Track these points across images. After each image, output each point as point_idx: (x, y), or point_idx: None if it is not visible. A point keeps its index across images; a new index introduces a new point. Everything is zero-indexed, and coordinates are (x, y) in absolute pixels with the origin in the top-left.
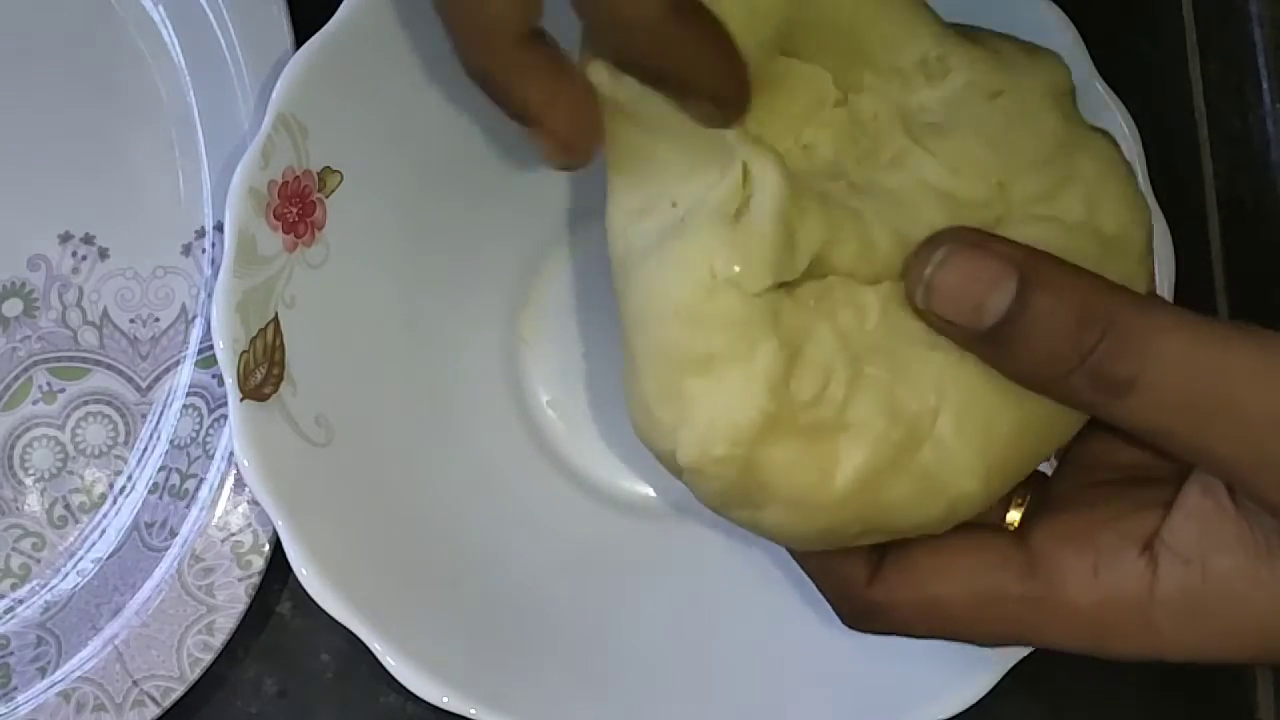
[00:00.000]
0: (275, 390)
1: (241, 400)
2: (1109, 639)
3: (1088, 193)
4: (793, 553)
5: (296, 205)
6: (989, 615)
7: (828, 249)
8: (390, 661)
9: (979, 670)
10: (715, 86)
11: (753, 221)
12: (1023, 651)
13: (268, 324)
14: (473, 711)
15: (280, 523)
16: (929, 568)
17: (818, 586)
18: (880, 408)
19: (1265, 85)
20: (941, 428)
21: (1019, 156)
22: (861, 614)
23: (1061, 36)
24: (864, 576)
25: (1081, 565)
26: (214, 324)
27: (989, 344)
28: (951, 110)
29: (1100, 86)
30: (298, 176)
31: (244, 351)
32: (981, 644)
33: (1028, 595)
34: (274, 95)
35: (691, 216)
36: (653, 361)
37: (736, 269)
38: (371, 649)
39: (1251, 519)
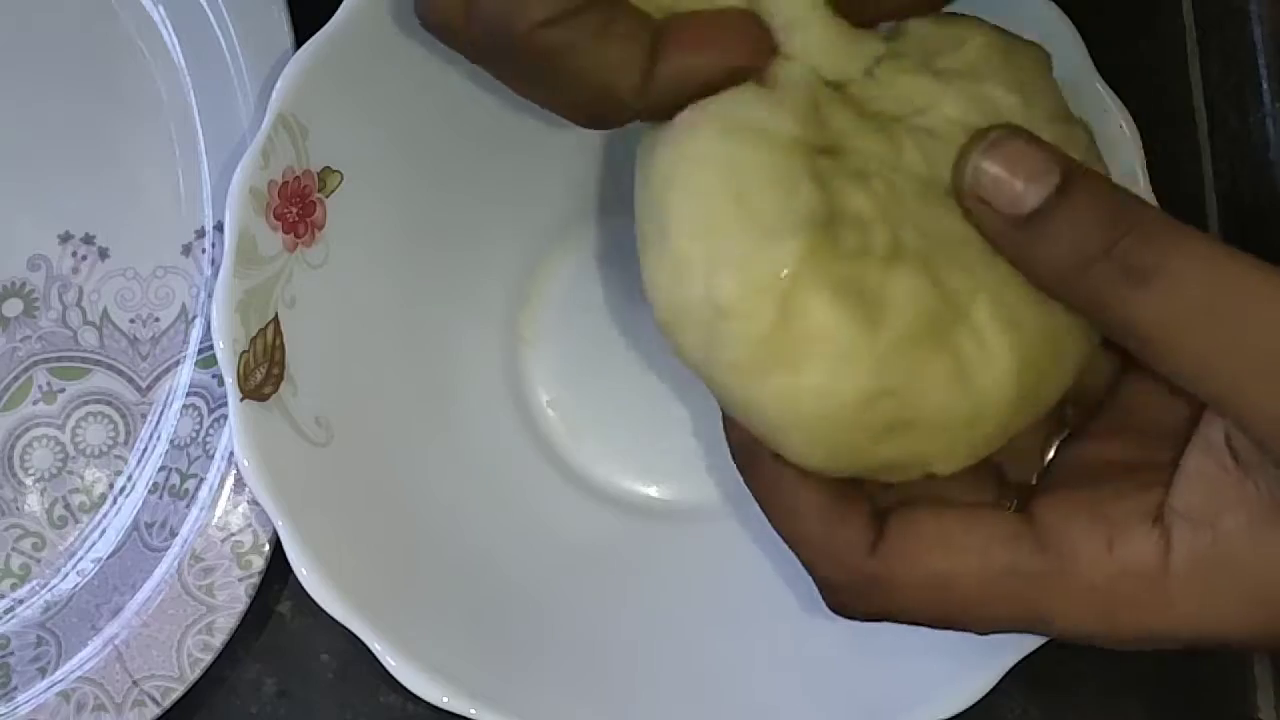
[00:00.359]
0: (275, 390)
1: (241, 400)
2: (1121, 617)
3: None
4: (786, 520)
5: (296, 205)
6: (999, 593)
7: (857, 141)
8: (390, 661)
9: (978, 670)
10: None
11: (783, 79)
12: (1023, 650)
13: (268, 324)
14: (473, 711)
15: (280, 523)
16: (936, 538)
17: (807, 560)
18: (921, 272)
19: (1265, 85)
20: (978, 312)
21: (1039, 109)
22: (858, 590)
23: (1061, 36)
24: (865, 543)
25: (1095, 539)
26: (214, 324)
27: (1022, 231)
28: (974, 66)
29: (1100, 86)
30: (298, 176)
31: (244, 351)
32: (983, 630)
33: (1040, 571)
34: (274, 95)
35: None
36: (680, 211)
37: (766, 113)
38: (371, 649)
39: (1255, 476)
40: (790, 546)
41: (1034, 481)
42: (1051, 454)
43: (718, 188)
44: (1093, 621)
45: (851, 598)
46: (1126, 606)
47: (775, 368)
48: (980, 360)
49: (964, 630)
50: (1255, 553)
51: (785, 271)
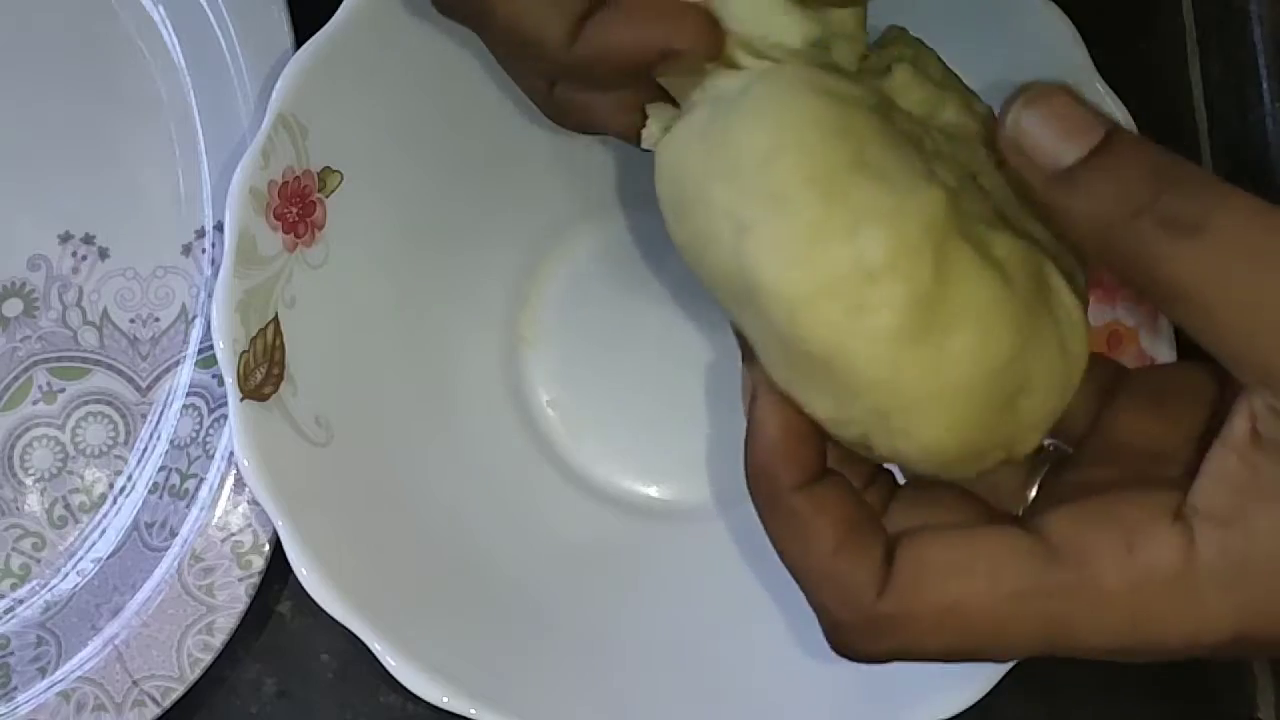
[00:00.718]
0: (275, 390)
1: (241, 400)
2: (1149, 624)
3: None
4: (797, 558)
5: (296, 205)
6: (1016, 615)
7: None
8: (390, 661)
9: (979, 670)
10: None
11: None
12: None
13: (268, 324)
14: (473, 711)
15: (280, 523)
16: (946, 565)
17: (816, 601)
18: (1017, 235)
19: (1265, 85)
20: (1052, 275)
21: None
22: (869, 631)
23: (1061, 36)
24: (874, 586)
25: (1112, 544)
26: (214, 324)
27: (1060, 183)
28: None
29: (1100, 86)
30: (298, 176)
31: (244, 351)
32: (1005, 658)
33: (1057, 584)
34: (274, 95)
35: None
36: (800, 176)
37: (844, 83)
38: (371, 649)
39: None
40: (799, 584)
41: (1019, 514)
42: (1035, 490)
43: (838, 148)
44: (1120, 632)
45: (860, 638)
46: (1153, 612)
47: (930, 330)
48: (1068, 323)
49: (985, 660)
50: None
51: (934, 220)
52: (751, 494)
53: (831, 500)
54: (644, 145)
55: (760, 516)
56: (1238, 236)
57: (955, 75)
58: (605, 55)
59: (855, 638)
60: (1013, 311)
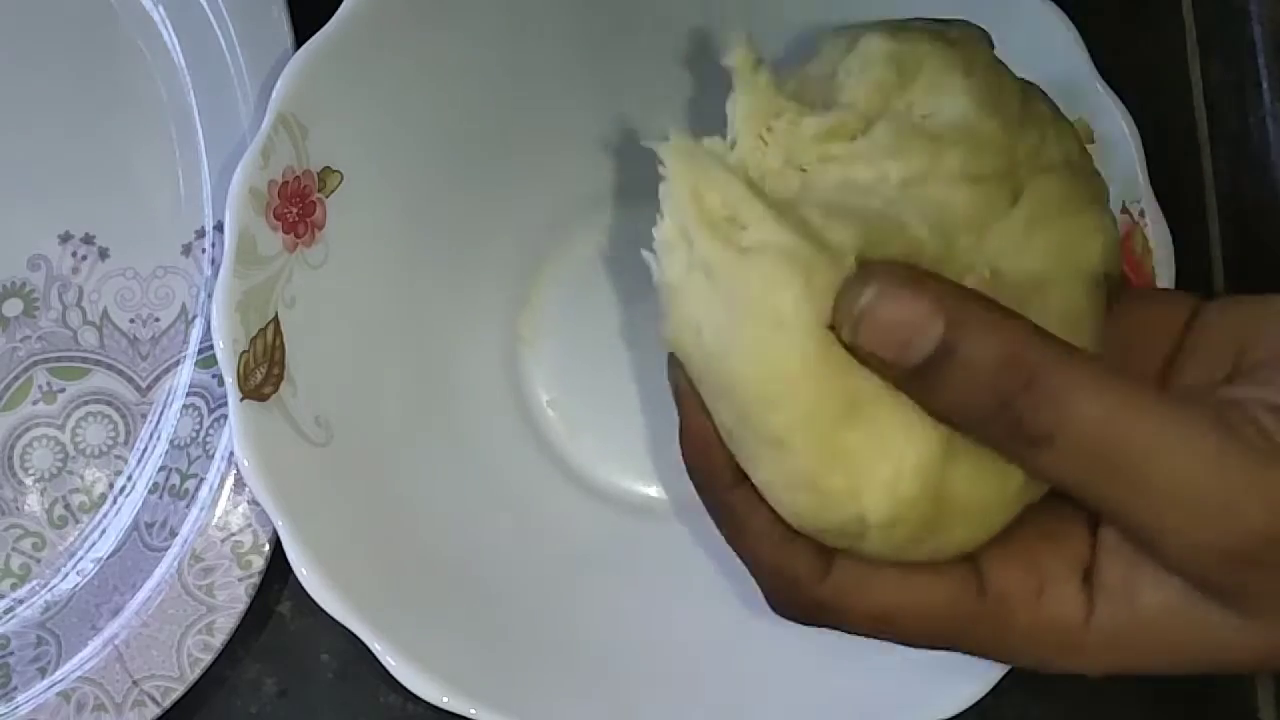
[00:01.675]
0: (275, 390)
1: (241, 400)
2: (1041, 654)
3: (1054, 133)
4: (739, 540)
5: (296, 205)
6: (937, 630)
7: (873, 251)
8: (390, 661)
9: (979, 670)
10: None
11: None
12: None
13: (268, 324)
14: (472, 711)
15: (280, 523)
16: (884, 575)
17: (759, 582)
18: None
19: (1265, 85)
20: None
21: (1009, 115)
22: (806, 611)
23: (1061, 36)
24: (817, 572)
25: (1026, 587)
26: (214, 324)
27: (914, 381)
28: (934, 97)
29: (1100, 86)
30: (298, 176)
31: (244, 351)
32: (920, 648)
33: (975, 613)
34: (274, 95)
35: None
36: (797, 433)
37: (801, 293)
38: (371, 649)
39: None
40: (742, 561)
41: None
42: None
43: (829, 401)
44: (1017, 657)
45: (797, 615)
46: (1048, 649)
47: (925, 539)
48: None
49: (892, 639)
50: (1171, 627)
51: (934, 466)
52: (694, 484)
53: (759, 500)
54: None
55: (704, 504)
56: (1085, 451)
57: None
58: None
59: (793, 614)
60: (1009, 492)
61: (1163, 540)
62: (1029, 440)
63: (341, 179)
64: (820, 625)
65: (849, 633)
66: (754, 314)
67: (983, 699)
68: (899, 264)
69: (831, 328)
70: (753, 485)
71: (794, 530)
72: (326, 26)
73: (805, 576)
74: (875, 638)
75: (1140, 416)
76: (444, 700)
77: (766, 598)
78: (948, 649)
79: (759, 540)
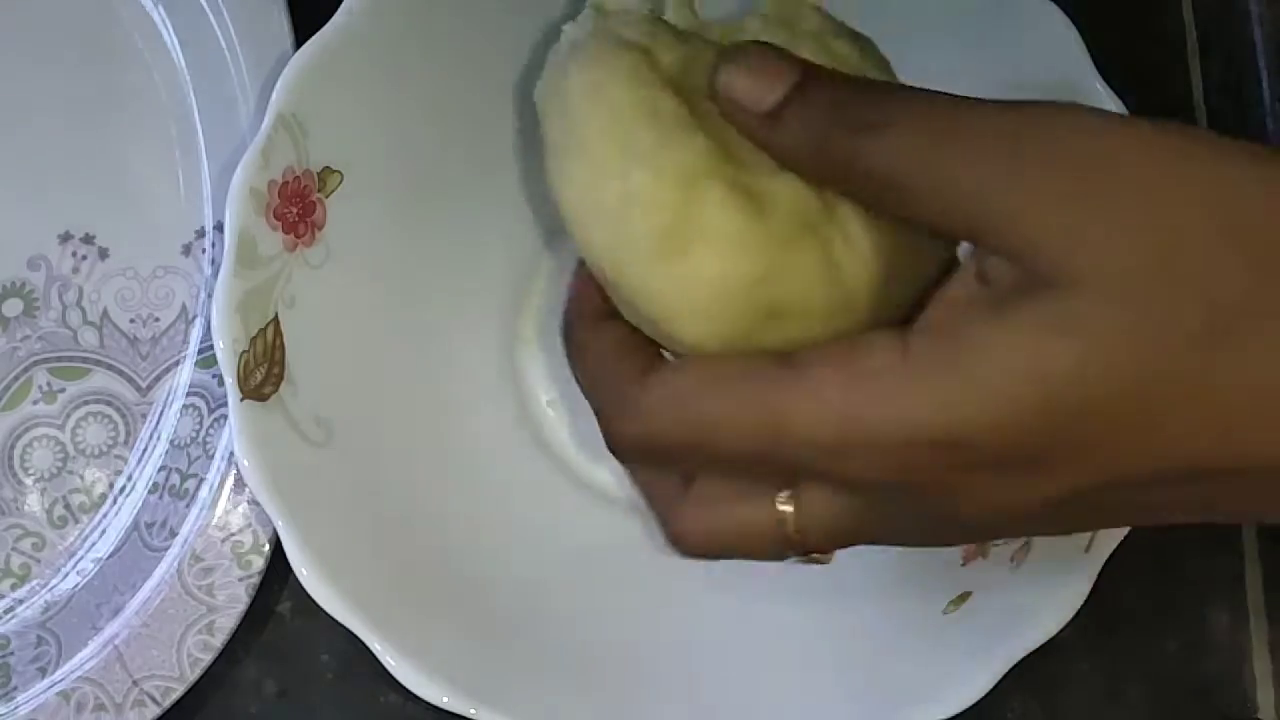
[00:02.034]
0: (275, 390)
1: (241, 400)
2: (858, 412)
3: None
4: (581, 359)
5: (296, 205)
6: (736, 395)
7: None
8: (390, 661)
9: (978, 669)
10: None
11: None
12: (1024, 649)
13: (268, 324)
14: (472, 711)
15: (280, 522)
16: (694, 362)
17: (591, 395)
18: (801, 185)
19: (1265, 85)
20: (846, 214)
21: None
22: (621, 413)
23: (1061, 36)
24: (638, 371)
25: (835, 350)
26: (214, 324)
27: (766, 124)
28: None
29: (1100, 86)
30: (298, 176)
31: (244, 351)
32: (728, 451)
33: (776, 376)
34: (274, 95)
35: None
36: (596, 121)
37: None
38: (371, 648)
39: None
40: (584, 389)
41: None
42: None
43: (629, 99)
44: (831, 422)
45: (616, 421)
46: (863, 400)
47: (677, 254)
48: (849, 256)
49: (711, 455)
50: (995, 343)
51: (689, 165)
52: (565, 336)
53: (610, 327)
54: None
55: (567, 349)
56: (921, 125)
57: (835, 22)
58: None
59: (614, 422)
60: (759, 241)
61: (997, 224)
62: (864, 132)
63: (341, 179)
64: (638, 435)
65: (664, 445)
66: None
67: (984, 699)
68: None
69: None
70: (604, 323)
71: (626, 349)
72: (327, 26)
73: (629, 372)
74: (686, 442)
75: (964, 105)
76: (444, 700)
77: (600, 423)
78: (756, 434)
79: (601, 350)
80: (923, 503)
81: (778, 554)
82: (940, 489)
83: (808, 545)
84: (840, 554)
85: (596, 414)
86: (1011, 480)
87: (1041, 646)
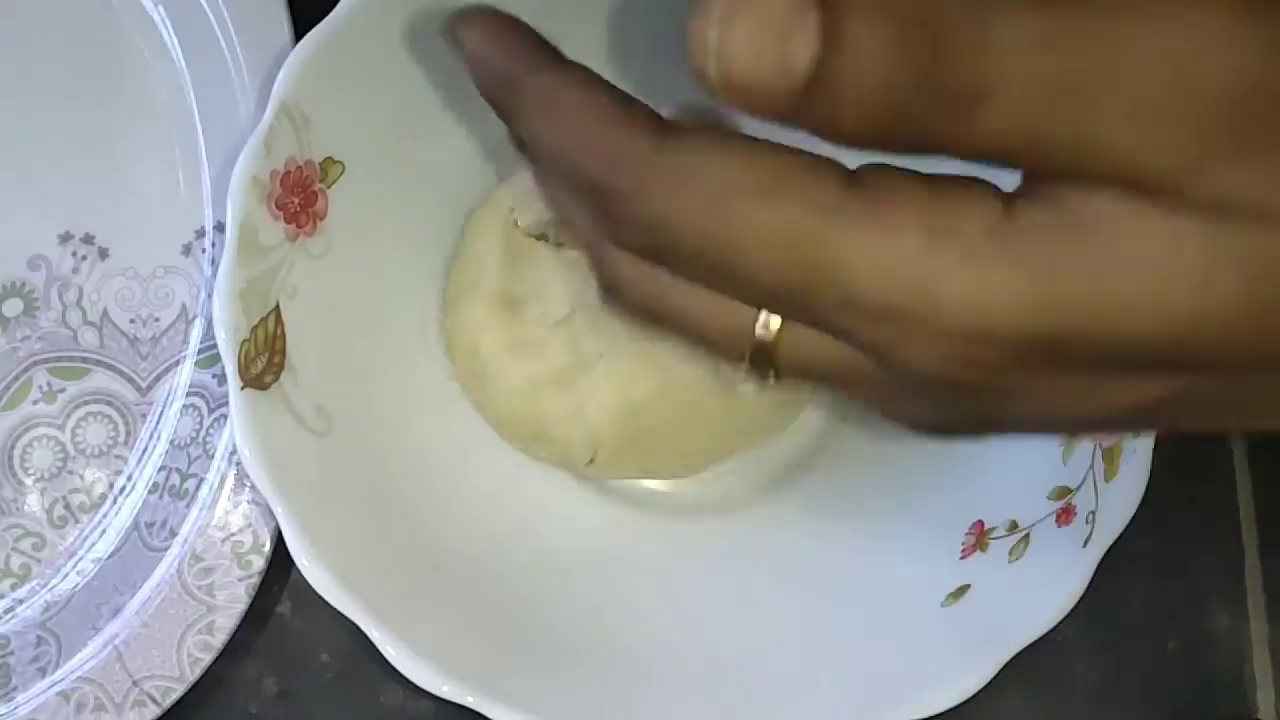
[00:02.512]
0: (276, 379)
1: (242, 389)
2: (931, 275)
3: None
4: (558, 124)
5: (298, 195)
6: (785, 220)
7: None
8: (389, 650)
9: (977, 663)
10: None
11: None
12: (1023, 641)
13: (269, 313)
14: (471, 700)
15: (280, 511)
16: (732, 144)
17: (581, 168)
18: (570, 338)
19: None
20: (598, 366)
21: None
22: (636, 192)
23: None
24: (650, 134)
25: (919, 187)
26: (215, 312)
27: (814, 100)
28: None
29: None
30: (300, 167)
31: (245, 340)
32: (752, 281)
33: (841, 207)
34: (276, 84)
35: None
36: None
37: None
38: (370, 637)
39: None
40: (564, 159)
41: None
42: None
43: (470, 267)
44: (894, 278)
45: (626, 205)
46: (941, 265)
47: (473, 383)
48: (592, 400)
49: (730, 276)
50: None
51: (477, 321)
52: (493, 93)
53: (579, 67)
54: None
55: (512, 110)
56: (1033, 84)
57: None
58: None
59: (621, 204)
60: (523, 385)
61: (1132, 155)
62: (963, 105)
63: (343, 169)
64: (648, 224)
65: (678, 240)
66: None
67: (983, 698)
68: None
69: None
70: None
71: (629, 100)
72: (329, 17)
73: (640, 136)
74: (707, 245)
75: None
76: (443, 689)
77: (598, 207)
78: (790, 272)
79: (587, 112)
80: (956, 399)
81: (737, 354)
82: (1001, 390)
83: (777, 365)
84: (838, 546)
85: (588, 189)
86: (1121, 384)
87: (1041, 646)
